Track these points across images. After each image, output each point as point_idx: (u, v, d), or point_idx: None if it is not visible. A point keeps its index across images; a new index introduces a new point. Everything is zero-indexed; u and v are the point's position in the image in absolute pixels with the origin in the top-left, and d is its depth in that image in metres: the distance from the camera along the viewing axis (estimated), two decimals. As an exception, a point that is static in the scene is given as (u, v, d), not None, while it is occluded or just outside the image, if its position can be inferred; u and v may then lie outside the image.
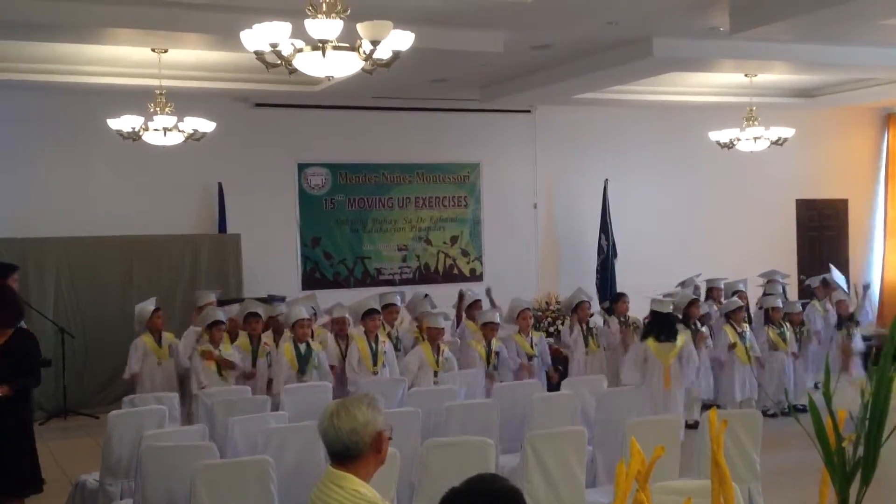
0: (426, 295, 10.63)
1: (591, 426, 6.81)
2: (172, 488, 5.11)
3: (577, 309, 10.50)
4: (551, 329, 12.50)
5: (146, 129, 9.92)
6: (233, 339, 9.17)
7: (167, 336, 9.36)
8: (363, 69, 6.34)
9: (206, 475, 4.75)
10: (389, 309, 9.53)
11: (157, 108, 9.84)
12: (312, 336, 8.84)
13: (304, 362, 8.44)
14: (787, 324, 10.71)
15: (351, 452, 3.25)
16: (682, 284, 11.57)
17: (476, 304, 10.53)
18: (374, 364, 8.50)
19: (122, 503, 5.84)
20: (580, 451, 5.39)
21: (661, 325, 9.24)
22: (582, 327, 10.40)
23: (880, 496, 3.28)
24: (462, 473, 5.07)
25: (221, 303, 10.14)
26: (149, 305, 9.38)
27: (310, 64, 6.14)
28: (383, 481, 4.74)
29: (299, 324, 8.53)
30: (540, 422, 6.37)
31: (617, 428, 5.92)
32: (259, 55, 6.15)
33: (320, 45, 5.98)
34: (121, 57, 10.37)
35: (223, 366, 8.60)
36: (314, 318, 9.24)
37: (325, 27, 5.91)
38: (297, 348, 8.47)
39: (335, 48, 6.04)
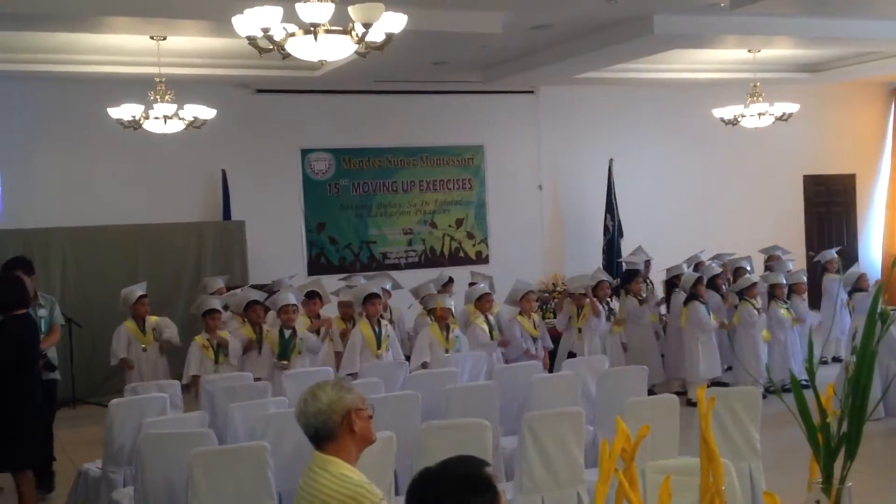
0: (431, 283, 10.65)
1: (593, 406, 6.82)
2: (171, 475, 5.13)
3: (597, 289, 10.48)
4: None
5: (146, 118, 9.92)
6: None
7: (151, 320, 9.25)
8: (356, 52, 6.33)
9: (203, 461, 4.76)
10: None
11: (157, 97, 9.84)
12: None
13: (285, 348, 8.41)
14: (794, 295, 10.75)
15: (321, 434, 3.31)
16: (688, 262, 11.56)
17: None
18: (378, 348, 8.49)
19: (123, 490, 5.87)
20: (578, 432, 5.39)
21: None
22: (602, 306, 10.40)
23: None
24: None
25: (230, 289, 10.17)
26: (136, 290, 9.25)
27: (302, 48, 6.13)
28: (380, 464, 4.75)
29: (284, 309, 8.50)
30: (541, 403, 6.36)
31: (618, 408, 5.90)
32: (251, 40, 6.15)
33: (312, 28, 5.97)
34: (119, 45, 10.38)
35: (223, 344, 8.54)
36: (320, 303, 9.22)
37: (317, 11, 5.90)
38: (281, 334, 8.45)
39: (327, 32, 6.03)
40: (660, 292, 11.38)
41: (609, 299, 10.50)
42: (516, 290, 9.71)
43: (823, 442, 2.67)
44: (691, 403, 8.90)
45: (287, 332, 8.42)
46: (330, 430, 3.28)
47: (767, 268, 11.76)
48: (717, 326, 10.16)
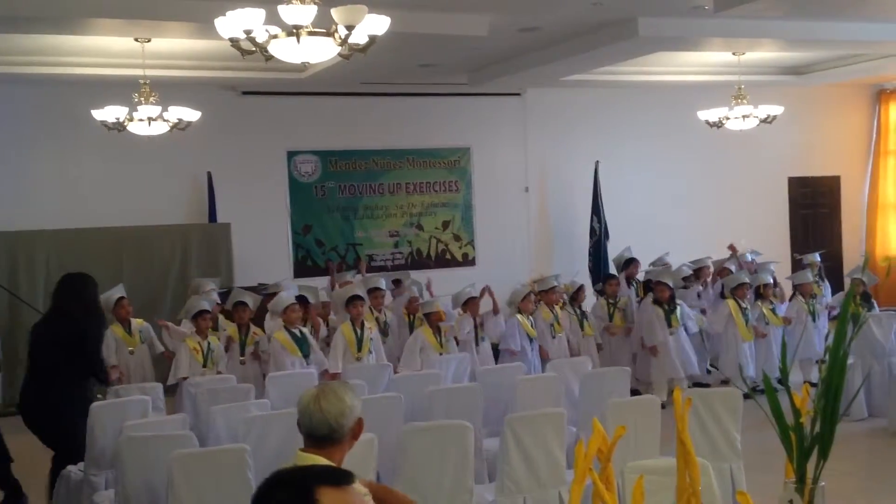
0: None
1: (576, 408, 6.83)
2: (152, 478, 5.11)
3: (575, 293, 10.60)
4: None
5: (131, 120, 9.87)
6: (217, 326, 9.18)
7: (137, 322, 9.18)
8: (339, 54, 6.33)
9: (183, 464, 4.75)
10: (375, 293, 9.54)
11: (142, 98, 9.79)
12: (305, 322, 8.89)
13: (302, 346, 8.48)
14: (800, 296, 10.77)
15: (335, 436, 3.23)
16: (653, 264, 11.60)
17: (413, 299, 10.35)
18: (359, 350, 8.49)
19: (104, 493, 5.85)
20: (559, 433, 5.40)
21: None
22: (575, 310, 10.46)
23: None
24: (442, 457, 5.10)
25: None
26: (114, 294, 9.15)
27: (285, 50, 6.12)
28: (362, 466, 4.74)
29: (290, 308, 8.55)
30: (524, 404, 6.38)
31: (600, 409, 5.91)
32: (234, 42, 6.14)
33: (295, 30, 5.96)
34: (104, 47, 10.32)
35: None
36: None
37: (300, 13, 5.89)
38: (290, 334, 8.50)
39: (310, 34, 6.02)
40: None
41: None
42: (517, 294, 9.96)
43: (797, 442, 2.69)
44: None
45: (297, 333, 8.49)
46: (343, 433, 3.23)
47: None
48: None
